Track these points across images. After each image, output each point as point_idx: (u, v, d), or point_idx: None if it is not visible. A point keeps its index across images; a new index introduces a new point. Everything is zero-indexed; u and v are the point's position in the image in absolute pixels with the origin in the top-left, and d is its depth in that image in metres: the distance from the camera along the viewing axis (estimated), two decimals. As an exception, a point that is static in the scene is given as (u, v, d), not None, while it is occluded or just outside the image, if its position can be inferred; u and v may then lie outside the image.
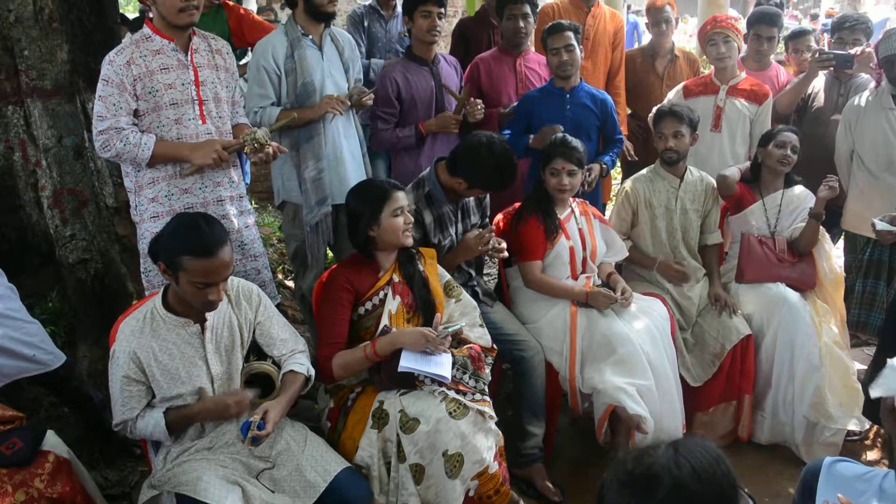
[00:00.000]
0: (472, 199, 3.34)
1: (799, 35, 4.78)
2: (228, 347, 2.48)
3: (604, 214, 3.90)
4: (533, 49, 4.34)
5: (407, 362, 2.55)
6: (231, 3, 4.60)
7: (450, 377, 2.59)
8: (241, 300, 2.55)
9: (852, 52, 4.05)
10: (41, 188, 3.39)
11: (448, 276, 3.02)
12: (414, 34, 3.85)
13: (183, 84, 2.89)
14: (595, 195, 4.02)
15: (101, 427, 3.06)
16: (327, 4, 3.42)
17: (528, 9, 4.04)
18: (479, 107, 3.79)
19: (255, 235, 3.20)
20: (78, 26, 3.45)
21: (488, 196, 3.45)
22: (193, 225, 2.33)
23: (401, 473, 2.50)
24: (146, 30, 2.89)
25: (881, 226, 2.91)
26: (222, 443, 2.43)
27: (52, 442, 2.40)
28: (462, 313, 2.95)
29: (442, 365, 2.59)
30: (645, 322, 3.25)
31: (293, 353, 2.60)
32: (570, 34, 3.75)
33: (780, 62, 4.67)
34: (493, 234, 3.23)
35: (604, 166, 3.90)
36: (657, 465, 1.34)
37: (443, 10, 3.75)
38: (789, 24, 9.57)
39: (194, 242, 2.27)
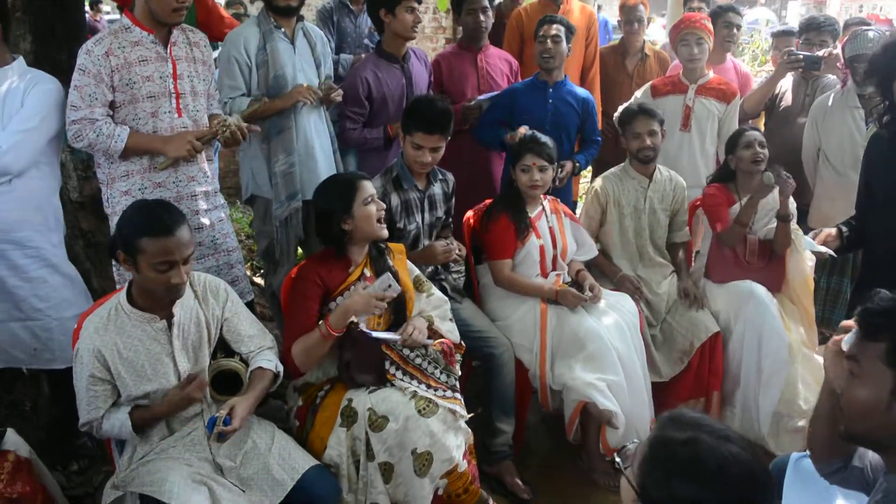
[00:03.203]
0: (440, 192, 3.34)
1: (783, 35, 4.91)
2: (196, 344, 2.44)
3: (574, 212, 3.92)
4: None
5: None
6: None
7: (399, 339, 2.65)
8: (209, 296, 2.51)
9: (820, 53, 4.10)
10: (3, 181, 3.31)
11: (417, 272, 3.01)
12: (392, 29, 3.77)
13: (161, 77, 2.86)
14: (566, 192, 4.05)
15: (65, 426, 3.01)
16: None
17: (486, 2, 4.06)
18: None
19: (227, 230, 3.17)
20: (41, 17, 3.38)
21: (453, 199, 3.45)
22: (148, 208, 2.31)
23: (370, 472, 2.48)
24: (125, 20, 2.84)
25: (809, 245, 2.91)
26: (188, 441, 2.39)
27: (13, 441, 2.36)
28: (434, 307, 2.95)
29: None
30: (614, 318, 3.26)
31: (261, 350, 2.56)
32: (561, 27, 3.82)
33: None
34: (461, 251, 3.27)
35: (577, 164, 3.92)
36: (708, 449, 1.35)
37: (420, 4, 3.74)
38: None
39: (151, 222, 2.22)
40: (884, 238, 2.83)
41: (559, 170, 3.75)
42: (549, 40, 3.81)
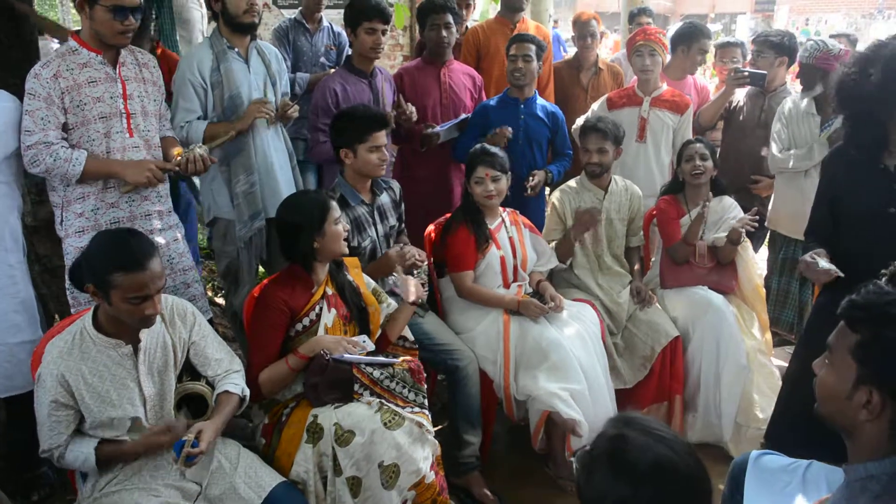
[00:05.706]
0: (388, 200, 3.37)
1: (726, 46, 5.04)
2: (161, 368, 2.41)
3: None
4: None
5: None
6: (168, 51, 4.52)
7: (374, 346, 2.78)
8: (176, 319, 2.49)
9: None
10: (-45, 208, 3.25)
11: (374, 284, 3.05)
12: (355, 48, 3.82)
13: (111, 97, 2.85)
14: (540, 201, 4.14)
15: (25, 456, 2.95)
16: (243, 15, 3.37)
17: (450, 18, 4.11)
18: (410, 109, 3.84)
19: (183, 249, 3.16)
20: (-5, 42, 3.35)
21: (403, 204, 3.49)
22: (120, 240, 2.27)
23: (337, 487, 2.48)
24: (72, 42, 2.84)
25: (823, 264, 2.68)
26: (153, 467, 2.36)
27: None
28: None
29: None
30: (576, 327, 3.31)
31: (228, 374, 2.55)
32: (532, 46, 3.91)
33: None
34: (420, 256, 3.28)
35: (549, 173, 3.99)
36: (636, 446, 1.34)
37: (387, 27, 3.76)
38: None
39: (124, 257, 2.20)
40: (856, 255, 2.70)
41: (531, 178, 3.85)
42: (520, 59, 3.90)
